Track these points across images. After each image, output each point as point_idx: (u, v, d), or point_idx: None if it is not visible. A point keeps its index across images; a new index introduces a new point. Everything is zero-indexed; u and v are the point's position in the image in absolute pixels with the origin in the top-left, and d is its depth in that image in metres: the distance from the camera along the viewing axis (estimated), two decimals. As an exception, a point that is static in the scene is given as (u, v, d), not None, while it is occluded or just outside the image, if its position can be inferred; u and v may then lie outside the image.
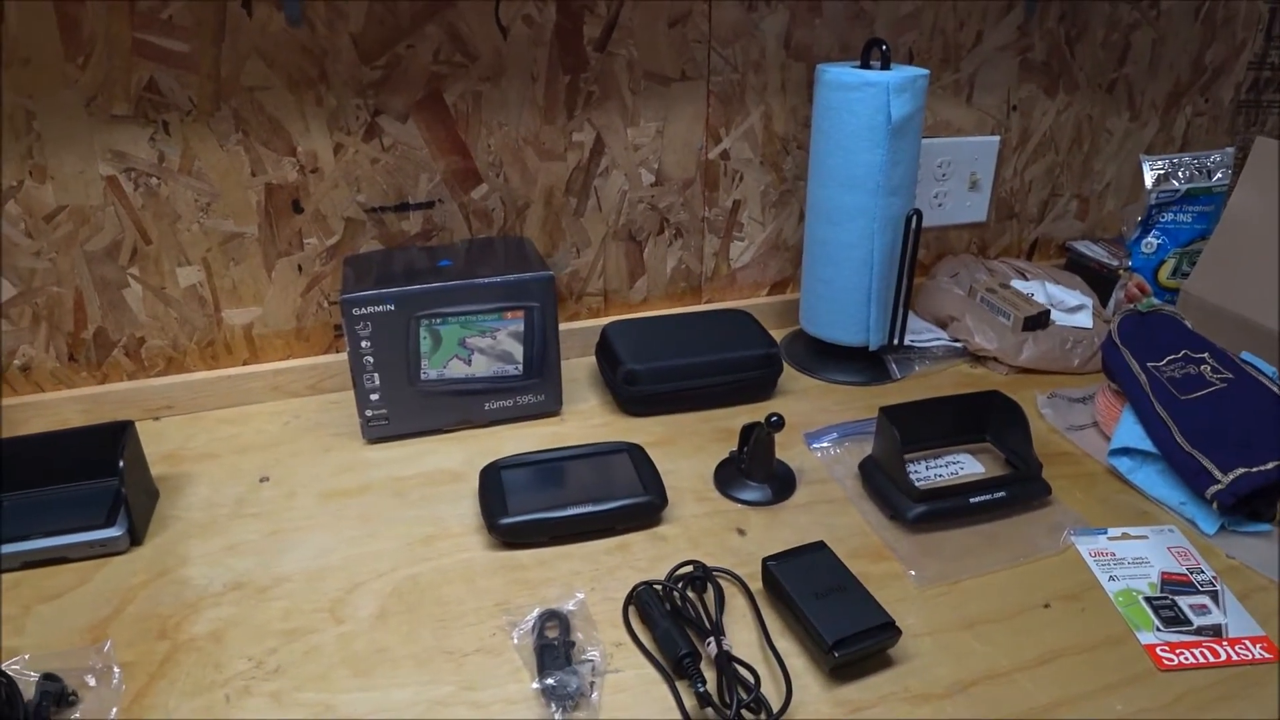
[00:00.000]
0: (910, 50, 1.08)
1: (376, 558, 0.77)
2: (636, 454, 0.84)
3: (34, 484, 0.84)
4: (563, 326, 1.06)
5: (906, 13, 1.06)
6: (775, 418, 0.78)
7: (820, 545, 0.72)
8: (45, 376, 0.96)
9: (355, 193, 0.95)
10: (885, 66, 0.93)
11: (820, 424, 0.94)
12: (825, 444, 0.90)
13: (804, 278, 1.04)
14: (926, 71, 0.92)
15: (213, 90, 0.87)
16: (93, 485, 0.83)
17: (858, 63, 0.97)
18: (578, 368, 1.06)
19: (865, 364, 1.03)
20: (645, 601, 0.69)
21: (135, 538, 0.80)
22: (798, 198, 1.10)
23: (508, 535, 0.77)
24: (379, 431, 0.92)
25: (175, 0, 0.83)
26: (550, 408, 0.96)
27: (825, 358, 1.04)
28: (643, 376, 0.94)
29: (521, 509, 0.77)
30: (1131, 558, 0.76)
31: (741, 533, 0.79)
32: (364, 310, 0.86)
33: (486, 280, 0.87)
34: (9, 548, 0.78)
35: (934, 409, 0.86)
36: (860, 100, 0.91)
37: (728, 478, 0.84)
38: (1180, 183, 1.12)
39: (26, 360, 0.95)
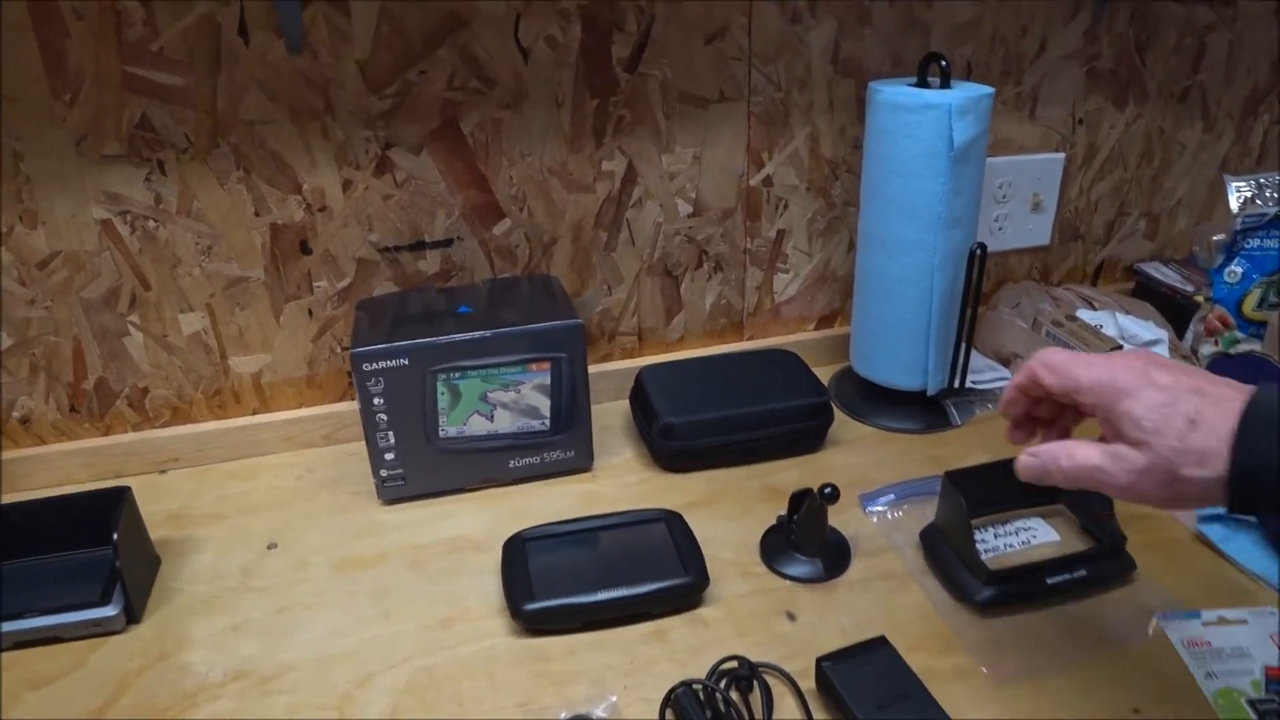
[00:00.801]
0: (969, 63, 1.00)
1: (390, 643, 0.70)
2: (674, 523, 0.77)
3: (27, 553, 0.78)
4: (594, 369, 0.99)
5: (964, 20, 0.97)
6: (829, 489, 0.70)
7: (881, 641, 0.64)
8: (46, 429, 0.91)
9: (367, 231, 0.88)
10: (945, 84, 0.85)
11: (875, 480, 0.86)
12: (882, 506, 0.82)
13: (855, 314, 0.96)
14: (991, 90, 0.83)
15: (210, 126, 0.81)
16: (89, 554, 0.77)
17: (913, 79, 0.88)
18: (611, 413, 0.99)
19: (922, 408, 0.95)
20: (684, 706, 0.62)
21: (132, 615, 0.74)
22: (847, 224, 1.02)
23: (533, 622, 0.70)
24: (395, 493, 0.85)
25: (166, 30, 0.76)
26: (581, 464, 0.88)
27: (878, 401, 0.96)
28: (680, 430, 0.86)
29: (548, 592, 0.70)
30: (1230, 648, 0.68)
31: (791, 617, 0.71)
32: (376, 365, 0.79)
33: (509, 330, 0.80)
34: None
35: (1004, 470, 0.77)
36: (919, 124, 0.82)
37: (775, 548, 0.77)
38: (1268, 204, 1.02)
39: (26, 412, 0.90)
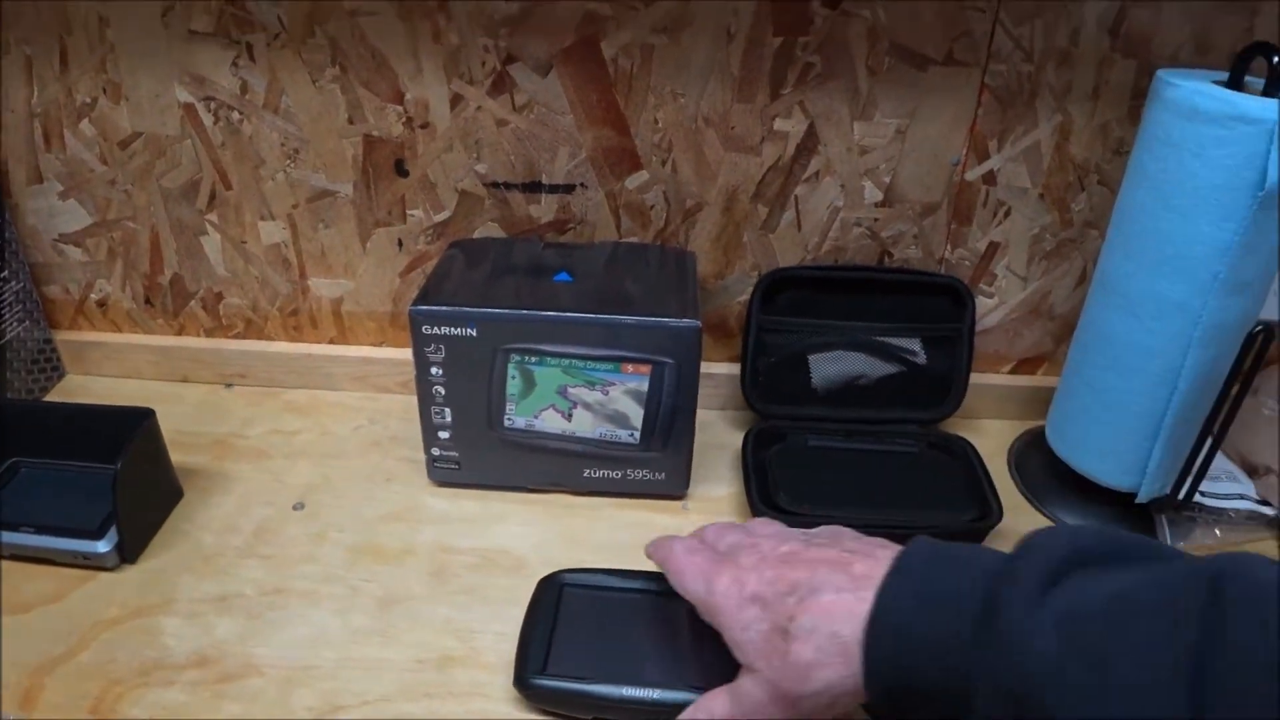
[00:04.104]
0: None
1: (374, 671, 0.58)
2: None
3: (51, 456, 0.72)
4: (724, 369, 0.81)
5: (1318, -2, 0.69)
6: None
7: None
8: (121, 316, 0.84)
9: (474, 160, 0.74)
10: (1272, 90, 0.59)
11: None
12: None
13: (1066, 372, 0.72)
14: (1340, 109, 0.57)
15: (306, 10, 0.67)
16: (105, 474, 0.69)
17: (1224, 76, 0.63)
18: (730, 428, 0.81)
19: (1124, 514, 0.71)
20: None
21: (126, 555, 0.66)
22: (1084, 251, 0.77)
23: (538, 700, 0.55)
24: (446, 476, 0.72)
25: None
26: (672, 490, 0.72)
27: (1068, 490, 0.73)
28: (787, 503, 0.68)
29: (566, 668, 0.55)
30: None
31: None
32: (438, 330, 0.65)
33: (606, 319, 0.64)
34: (-5, 535, 0.66)
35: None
36: (1221, 141, 0.58)
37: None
38: None
39: (103, 295, 0.83)
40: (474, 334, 0.65)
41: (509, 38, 0.68)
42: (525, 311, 0.64)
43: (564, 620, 0.59)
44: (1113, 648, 0.34)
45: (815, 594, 0.43)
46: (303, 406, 0.82)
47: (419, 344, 0.66)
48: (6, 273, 0.77)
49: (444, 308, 0.64)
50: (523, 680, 0.55)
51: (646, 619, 0.59)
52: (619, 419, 0.68)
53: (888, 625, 0.41)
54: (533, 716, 0.56)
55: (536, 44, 0.69)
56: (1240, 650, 0.31)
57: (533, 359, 0.66)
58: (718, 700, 0.48)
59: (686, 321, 0.64)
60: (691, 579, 0.50)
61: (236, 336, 0.84)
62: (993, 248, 0.77)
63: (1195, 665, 0.31)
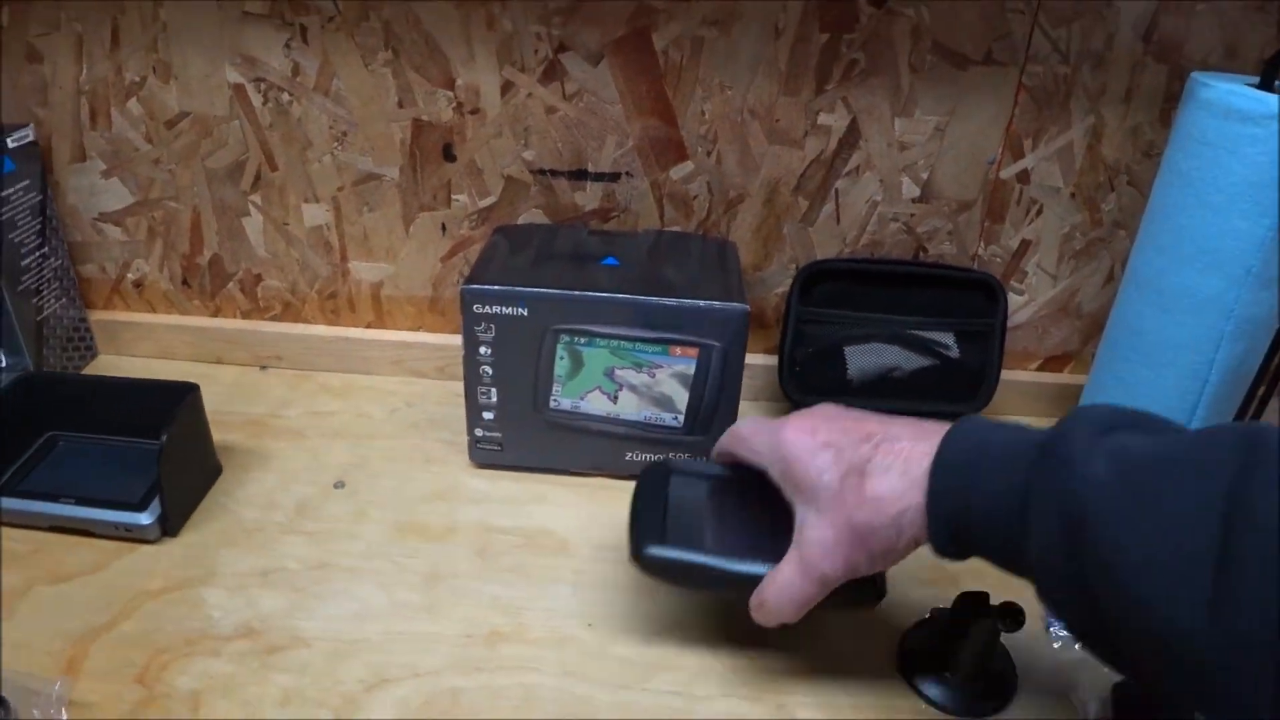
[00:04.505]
0: (1339, 69, 0.74)
1: (422, 646, 0.58)
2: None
3: (91, 430, 0.72)
4: (761, 360, 0.82)
5: (1344, 10, 0.72)
6: (1014, 614, 0.52)
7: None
8: (158, 297, 0.84)
9: (522, 147, 0.75)
10: (1301, 92, 0.61)
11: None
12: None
13: (1097, 369, 0.74)
14: (1369, 109, 0.59)
15: (363, -6, 0.69)
16: (146, 448, 0.69)
17: (1254, 80, 0.65)
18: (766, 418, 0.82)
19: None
20: None
21: (168, 528, 0.66)
22: (1113, 251, 0.79)
23: (654, 571, 0.55)
24: (488, 458, 0.73)
25: None
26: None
27: (1101, 483, 0.74)
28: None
29: (682, 540, 0.55)
30: None
31: (915, 758, 0.54)
32: (489, 309, 0.66)
33: (657, 301, 0.65)
34: (37, 506, 0.66)
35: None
36: (1254, 140, 0.60)
37: (917, 651, 0.59)
38: None
39: (140, 276, 0.83)
40: (525, 313, 0.66)
41: (562, 27, 0.70)
42: (578, 292, 0.65)
43: (675, 501, 0.58)
44: (1157, 483, 0.37)
45: (892, 441, 0.47)
46: (338, 389, 0.83)
47: (469, 323, 0.66)
48: (47, 249, 0.77)
49: (496, 287, 0.65)
50: (640, 551, 0.54)
51: (756, 500, 0.56)
52: (664, 402, 0.69)
53: (951, 457, 0.44)
54: (578, 686, 0.56)
55: (589, 34, 0.70)
56: (1266, 496, 0.34)
57: (582, 340, 0.67)
58: (785, 566, 0.50)
59: (735, 305, 0.65)
60: (759, 439, 0.54)
61: (273, 319, 0.84)
62: (1024, 245, 0.79)
63: (1226, 508, 0.35)
